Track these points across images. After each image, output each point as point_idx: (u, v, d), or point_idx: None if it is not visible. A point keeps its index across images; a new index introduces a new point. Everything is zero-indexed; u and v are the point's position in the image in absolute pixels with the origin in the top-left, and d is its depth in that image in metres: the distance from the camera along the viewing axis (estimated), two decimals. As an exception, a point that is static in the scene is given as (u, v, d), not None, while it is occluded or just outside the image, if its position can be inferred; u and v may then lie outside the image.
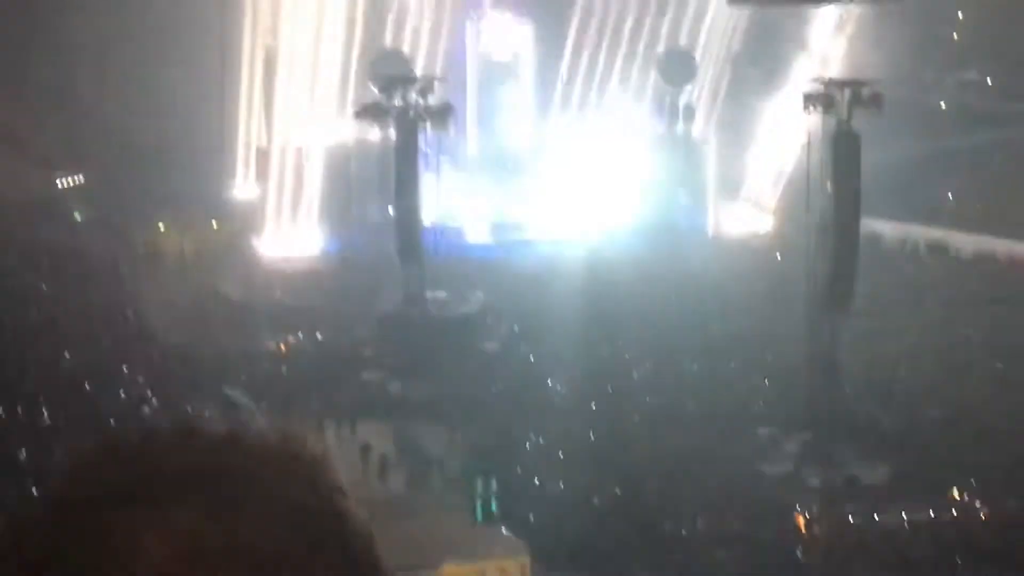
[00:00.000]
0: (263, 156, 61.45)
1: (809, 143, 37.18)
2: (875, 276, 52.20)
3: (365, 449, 35.95)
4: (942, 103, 73.41)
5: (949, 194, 67.30)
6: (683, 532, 30.67)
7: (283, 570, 1.18)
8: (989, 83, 74.55)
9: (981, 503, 31.78)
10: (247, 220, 61.75)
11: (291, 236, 58.93)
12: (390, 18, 62.41)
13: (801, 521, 31.27)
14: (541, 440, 36.65)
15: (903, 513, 31.24)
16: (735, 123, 66.56)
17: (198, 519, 1.19)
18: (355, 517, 1.29)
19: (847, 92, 36.35)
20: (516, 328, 49.14)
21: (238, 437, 1.31)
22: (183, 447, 1.27)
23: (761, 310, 49.43)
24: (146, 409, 36.65)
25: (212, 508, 1.20)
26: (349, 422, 38.00)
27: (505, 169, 68.93)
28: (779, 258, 56.38)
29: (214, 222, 64.61)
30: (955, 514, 31.42)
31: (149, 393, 38.81)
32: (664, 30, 69.18)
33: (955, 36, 77.12)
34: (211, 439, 1.30)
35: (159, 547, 1.16)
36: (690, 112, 68.42)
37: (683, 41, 69.74)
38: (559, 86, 68.90)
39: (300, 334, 47.98)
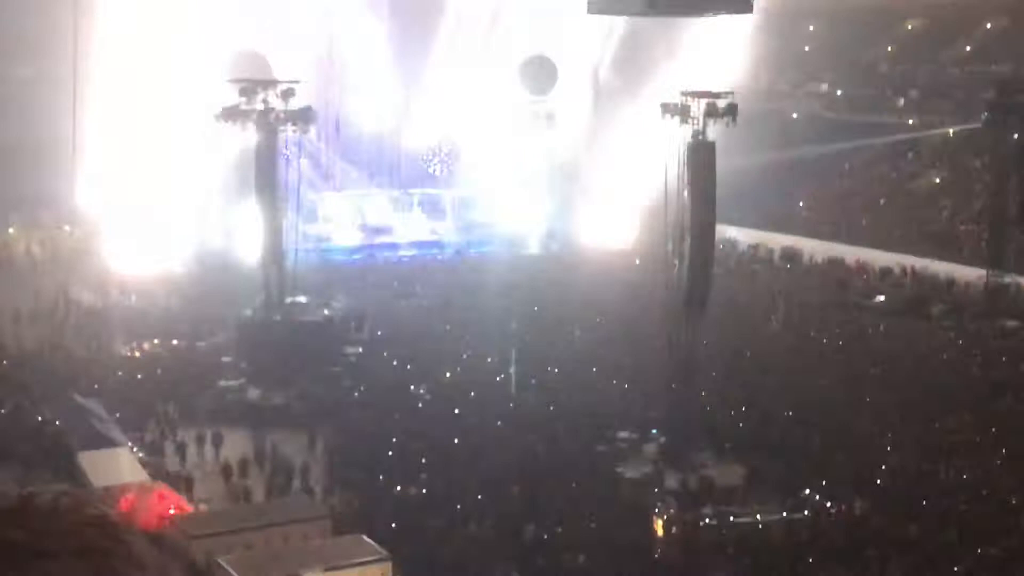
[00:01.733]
0: (117, 160, 59.70)
1: (667, 152, 37.77)
2: (730, 282, 53.53)
3: (227, 468, 35.24)
4: (795, 114, 75.63)
5: (801, 202, 69.38)
6: (545, 536, 30.91)
7: None
8: (839, 94, 77.04)
9: (832, 502, 32.77)
10: (100, 225, 60.08)
11: (147, 241, 57.44)
12: (251, 20, 61.38)
13: (659, 523, 31.79)
14: (404, 446, 36.50)
15: (757, 514, 32.01)
16: (598, 132, 67.34)
17: None
18: None
19: (702, 103, 37.11)
20: (379, 332, 48.90)
21: (26, 507, 1.23)
22: None
23: (622, 316, 50.20)
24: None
25: None
26: (208, 431, 37.27)
27: (371, 174, 68.67)
28: (639, 263, 57.32)
29: (67, 227, 62.86)
30: (807, 513, 32.33)
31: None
32: (526, 38, 69.51)
33: (807, 49, 79.55)
34: None
35: None
36: (552, 121, 69.11)
37: (544, 49, 70.34)
38: (422, 95, 68.69)
39: (156, 340, 46.92)
